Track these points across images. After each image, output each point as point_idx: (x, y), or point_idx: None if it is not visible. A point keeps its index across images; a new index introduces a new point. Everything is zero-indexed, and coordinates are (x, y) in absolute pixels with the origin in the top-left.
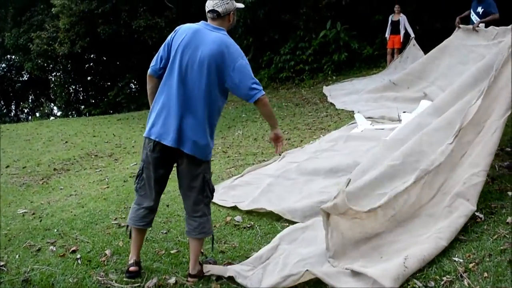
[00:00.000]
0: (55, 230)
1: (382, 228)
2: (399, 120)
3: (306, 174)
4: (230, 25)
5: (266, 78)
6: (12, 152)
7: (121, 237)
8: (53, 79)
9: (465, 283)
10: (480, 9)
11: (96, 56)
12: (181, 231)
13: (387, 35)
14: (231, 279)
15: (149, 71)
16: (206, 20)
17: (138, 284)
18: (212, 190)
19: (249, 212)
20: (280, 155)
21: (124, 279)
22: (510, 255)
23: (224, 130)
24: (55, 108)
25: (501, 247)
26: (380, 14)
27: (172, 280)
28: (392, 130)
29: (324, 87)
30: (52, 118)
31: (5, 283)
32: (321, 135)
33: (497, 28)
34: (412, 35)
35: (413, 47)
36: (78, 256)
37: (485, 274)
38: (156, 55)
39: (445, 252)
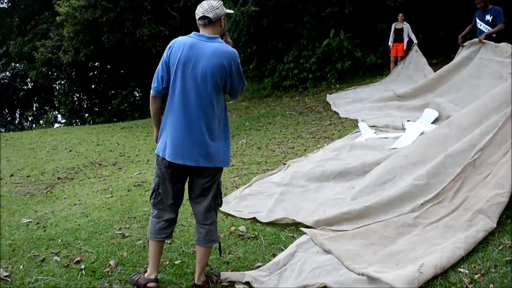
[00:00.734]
0: (59, 240)
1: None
2: (403, 129)
3: (315, 180)
4: (222, 30)
5: (269, 86)
6: (16, 161)
7: (125, 248)
8: (57, 87)
9: None
10: (489, 17)
11: (100, 64)
12: (185, 241)
13: (390, 43)
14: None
15: (152, 92)
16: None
17: None
18: (221, 197)
19: (253, 222)
20: None
21: None
22: None
23: None
24: (59, 116)
25: (507, 258)
26: (383, 23)
27: None
28: (396, 139)
29: (328, 95)
30: (56, 125)
31: None
32: (325, 144)
33: (510, 44)
34: (415, 41)
35: (415, 53)
36: (83, 266)
37: (491, 286)
38: (156, 75)
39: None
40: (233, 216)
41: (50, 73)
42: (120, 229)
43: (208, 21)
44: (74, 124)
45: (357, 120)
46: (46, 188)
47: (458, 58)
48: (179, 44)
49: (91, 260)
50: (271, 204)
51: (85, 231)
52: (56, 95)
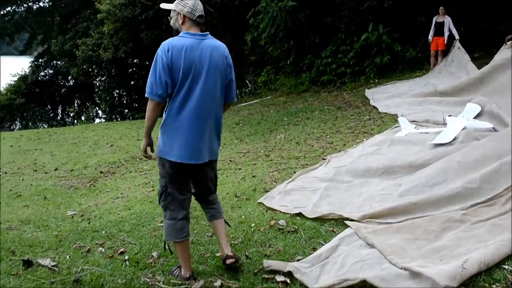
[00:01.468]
0: (103, 231)
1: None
2: (444, 124)
3: (359, 176)
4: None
5: (307, 81)
6: (60, 155)
7: None
8: (97, 83)
9: None
10: None
11: (139, 61)
12: (227, 234)
13: (430, 37)
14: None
15: (157, 99)
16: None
17: (185, 287)
18: None
19: (292, 216)
20: None
21: (171, 281)
22: None
23: (266, 134)
24: (99, 111)
25: None
26: (422, 16)
27: (218, 283)
28: (437, 134)
29: (366, 90)
30: (97, 120)
31: (57, 282)
32: (365, 139)
33: None
34: (457, 37)
35: (457, 50)
36: (126, 257)
37: None
38: (156, 79)
39: None
40: (273, 210)
41: (90, 70)
42: (161, 221)
43: (203, 20)
44: (114, 120)
45: (396, 115)
46: (89, 181)
47: (503, 58)
48: (179, 46)
49: (135, 252)
50: (316, 199)
51: (128, 223)
52: (97, 91)
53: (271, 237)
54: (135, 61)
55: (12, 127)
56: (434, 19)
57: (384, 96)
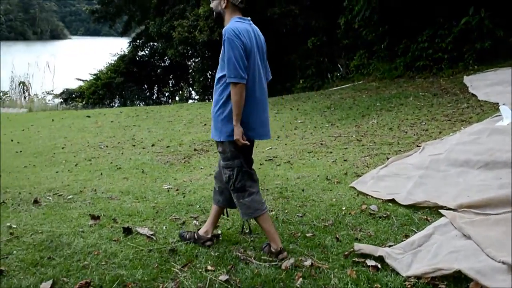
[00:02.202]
0: (197, 206)
1: None
2: None
3: (457, 166)
4: None
5: (401, 66)
6: (156, 132)
7: None
8: (191, 64)
9: None
10: None
11: None
12: (316, 215)
13: None
14: (380, 259)
15: (242, 81)
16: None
17: (276, 263)
18: None
19: (384, 202)
20: None
21: (262, 257)
22: None
23: (358, 119)
24: (193, 92)
25: None
26: None
27: (308, 263)
28: None
29: (465, 77)
30: (190, 101)
31: (154, 250)
32: (462, 127)
33: None
34: None
35: None
36: (219, 232)
37: None
38: (239, 63)
39: None
40: (364, 194)
41: (185, 51)
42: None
43: (243, 6)
44: (207, 101)
45: (497, 103)
46: (184, 158)
47: None
48: (244, 31)
49: (227, 227)
50: (410, 186)
51: None
52: (190, 73)
53: (362, 222)
54: None
55: (112, 104)
56: None
57: (484, 84)
